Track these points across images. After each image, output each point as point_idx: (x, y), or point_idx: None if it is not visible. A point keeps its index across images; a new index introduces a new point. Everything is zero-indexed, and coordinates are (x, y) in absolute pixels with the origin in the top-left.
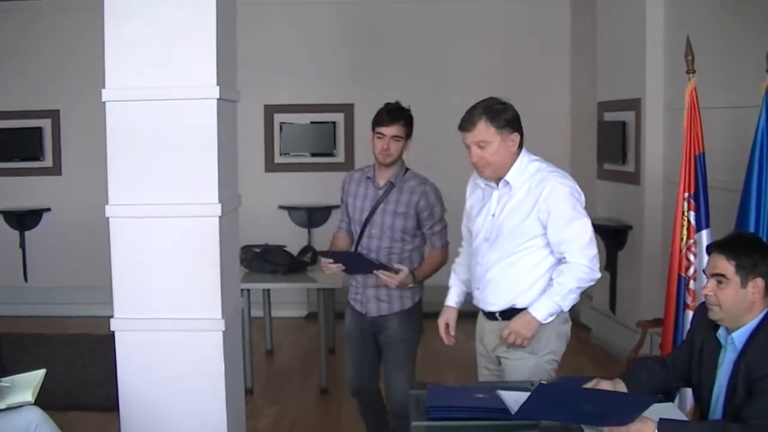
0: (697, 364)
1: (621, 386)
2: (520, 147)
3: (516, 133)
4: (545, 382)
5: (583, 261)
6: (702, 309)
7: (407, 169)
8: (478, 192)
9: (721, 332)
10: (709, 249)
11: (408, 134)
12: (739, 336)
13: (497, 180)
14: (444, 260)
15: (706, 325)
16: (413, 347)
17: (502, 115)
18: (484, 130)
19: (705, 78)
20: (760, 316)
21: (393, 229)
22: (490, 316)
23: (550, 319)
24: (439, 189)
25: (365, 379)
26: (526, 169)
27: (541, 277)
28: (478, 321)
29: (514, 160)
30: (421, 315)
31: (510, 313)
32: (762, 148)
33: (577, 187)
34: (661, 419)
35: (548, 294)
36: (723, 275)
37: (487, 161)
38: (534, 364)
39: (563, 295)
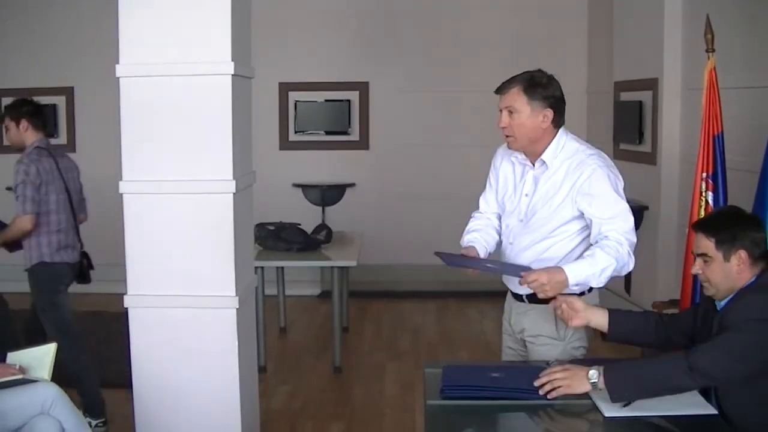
0: (700, 329)
1: (603, 318)
2: (559, 126)
3: (550, 110)
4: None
5: (624, 245)
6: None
7: None
8: (510, 167)
9: (717, 302)
10: (693, 228)
11: None
12: (723, 305)
13: (528, 155)
14: (20, 226)
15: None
16: (36, 302)
17: (539, 88)
18: (515, 96)
19: (724, 57)
20: (748, 283)
21: None
22: (518, 297)
23: (575, 288)
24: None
25: None
26: (564, 149)
27: None
28: (506, 299)
29: (547, 138)
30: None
31: (536, 298)
32: None
33: (617, 171)
34: (605, 366)
35: (588, 264)
36: (706, 253)
37: (512, 130)
38: (561, 351)
39: (601, 271)
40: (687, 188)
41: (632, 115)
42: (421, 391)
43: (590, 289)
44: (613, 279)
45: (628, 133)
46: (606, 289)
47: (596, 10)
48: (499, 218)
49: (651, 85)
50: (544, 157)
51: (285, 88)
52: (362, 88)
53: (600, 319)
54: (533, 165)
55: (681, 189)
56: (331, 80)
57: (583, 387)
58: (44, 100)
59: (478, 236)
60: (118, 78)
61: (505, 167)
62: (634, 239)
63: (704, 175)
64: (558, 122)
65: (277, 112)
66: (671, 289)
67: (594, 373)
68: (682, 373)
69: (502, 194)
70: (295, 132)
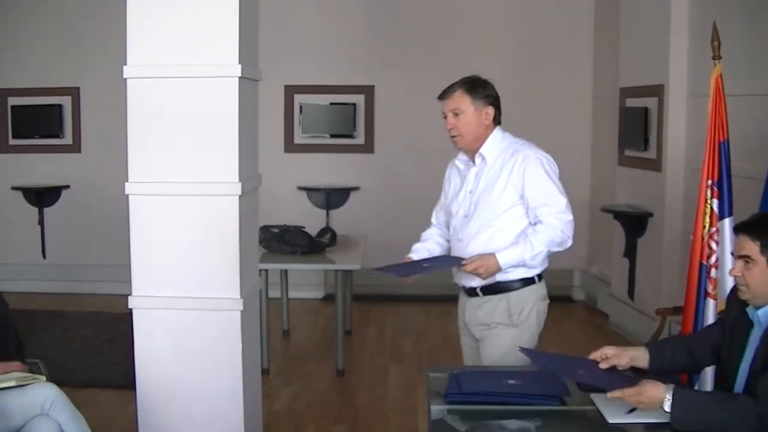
0: (728, 341)
1: (644, 354)
2: (498, 123)
3: (491, 107)
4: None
5: (557, 224)
6: (737, 287)
7: None
8: (456, 174)
9: (749, 309)
10: (736, 230)
11: None
12: (765, 312)
13: (472, 153)
14: None
15: (740, 303)
16: None
17: (480, 88)
18: (459, 98)
19: (729, 65)
20: None
21: None
22: (471, 292)
23: (510, 270)
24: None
25: None
26: (500, 143)
27: None
28: (459, 298)
29: (487, 134)
30: None
31: (490, 288)
32: None
33: (550, 157)
34: (675, 385)
35: (520, 247)
36: (748, 256)
37: (459, 130)
38: (514, 337)
39: (532, 255)
40: (692, 195)
41: (637, 121)
42: (423, 394)
43: (540, 278)
44: (617, 286)
45: (633, 140)
46: (609, 295)
47: (602, 16)
48: (449, 227)
49: (657, 91)
50: (482, 151)
51: (290, 91)
52: (368, 91)
53: (638, 354)
54: (474, 162)
55: (686, 196)
56: (336, 83)
57: (655, 411)
58: (49, 100)
59: (422, 246)
60: (126, 79)
61: (452, 176)
62: (569, 216)
63: (709, 182)
64: (497, 119)
65: (283, 115)
66: (675, 296)
67: (670, 397)
68: (750, 421)
69: (450, 200)
70: (301, 135)
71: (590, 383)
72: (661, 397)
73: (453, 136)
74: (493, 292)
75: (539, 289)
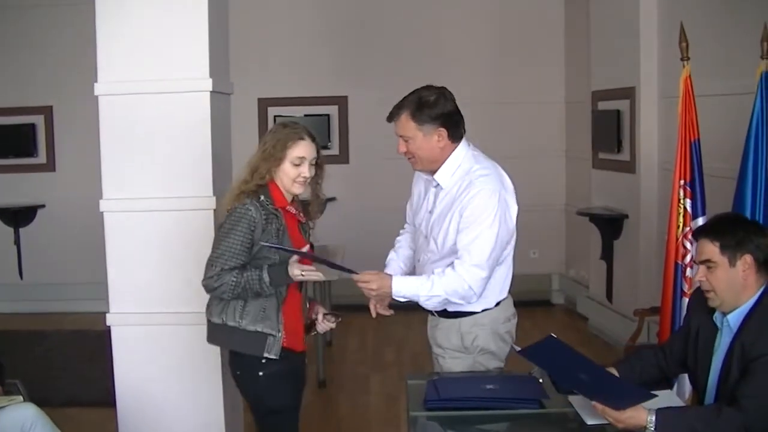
0: (693, 349)
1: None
2: (459, 139)
3: (442, 129)
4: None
5: (467, 278)
6: (698, 293)
7: None
8: (422, 184)
9: (716, 315)
10: (694, 236)
11: None
12: (734, 318)
13: (432, 174)
14: None
15: (703, 309)
16: None
17: (426, 109)
18: (404, 124)
19: (699, 65)
20: (756, 296)
21: None
22: (428, 310)
23: (400, 299)
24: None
25: None
26: (459, 167)
27: None
28: None
29: (446, 155)
30: None
31: (445, 313)
32: (757, 134)
33: (504, 195)
34: (658, 409)
35: (420, 283)
36: (709, 259)
37: (412, 154)
38: (470, 365)
39: (429, 296)
40: (666, 196)
41: (610, 124)
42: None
43: (498, 303)
44: (595, 289)
45: (606, 142)
46: (588, 298)
47: (573, 20)
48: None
49: (628, 93)
50: (437, 177)
51: (264, 104)
52: (341, 102)
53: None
54: (434, 182)
55: (660, 197)
56: (310, 95)
57: (638, 429)
58: (22, 119)
59: (395, 256)
60: (97, 96)
61: (418, 185)
62: (484, 273)
63: (682, 182)
64: (455, 136)
65: (257, 128)
66: (652, 296)
67: (653, 420)
68: None
69: (415, 211)
70: None
71: (592, 396)
72: (644, 421)
73: (409, 158)
74: (447, 315)
75: (499, 313)
